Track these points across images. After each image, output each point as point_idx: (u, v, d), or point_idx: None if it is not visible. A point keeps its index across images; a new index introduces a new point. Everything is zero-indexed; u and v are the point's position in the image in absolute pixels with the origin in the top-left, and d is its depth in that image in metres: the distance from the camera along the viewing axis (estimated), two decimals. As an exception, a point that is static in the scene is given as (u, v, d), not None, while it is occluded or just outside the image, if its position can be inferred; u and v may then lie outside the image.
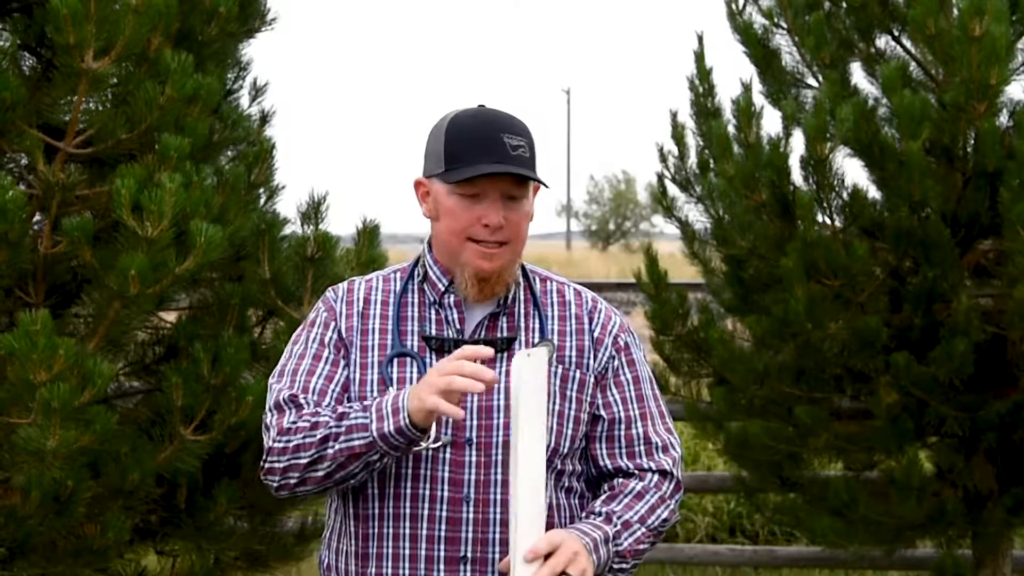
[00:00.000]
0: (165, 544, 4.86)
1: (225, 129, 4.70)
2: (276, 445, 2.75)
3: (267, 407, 2.82)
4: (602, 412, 2.87)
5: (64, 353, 3.69)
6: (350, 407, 2.72)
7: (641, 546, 2.80)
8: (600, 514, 2.80)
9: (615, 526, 2.78)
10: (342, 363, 2.83)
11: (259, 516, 4.70)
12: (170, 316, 4.84)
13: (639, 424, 2.88)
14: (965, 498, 5.70)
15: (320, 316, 2.88)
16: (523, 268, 2.90)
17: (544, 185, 2.82)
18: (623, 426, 2.87)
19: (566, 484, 2.84)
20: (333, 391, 2.80)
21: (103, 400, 3.97)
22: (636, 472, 2.87)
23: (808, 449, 5.88)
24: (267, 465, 2.78)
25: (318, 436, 2.70)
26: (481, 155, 2.74)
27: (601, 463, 2.88)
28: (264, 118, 5.07)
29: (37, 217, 4.28)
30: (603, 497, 2.85)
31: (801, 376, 5.70)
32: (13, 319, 4.06)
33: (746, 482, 6.36)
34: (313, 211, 4.73)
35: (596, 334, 2.88)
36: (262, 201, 4.84)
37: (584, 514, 2.83)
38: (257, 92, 5.10)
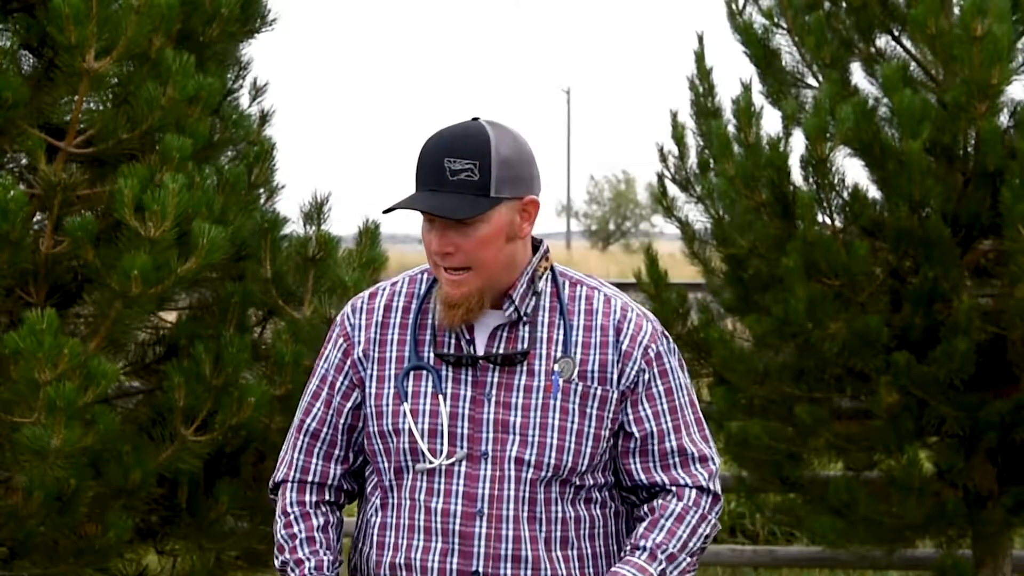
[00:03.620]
0: (166, 544, 4.86)
1: (225, 129, 4.70)
2: (276, 510, 2.90)
3: (289, 431, 2.94)
4: (634, 428, 2.78)
5: (69, 352, 3.70)
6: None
7: (686, 575, 2.77)
8: (644, 549, 2.74)
9: (660, 563, 2.72)
10: (355, 393, 2.83)
11: (260, 516, 4.68)
12: (170, 316, 4.84)
13: (672, 436, 2.79)
14: (965, 498, 5.71)
15: (338, 340, 2.86)
16: (553, 271, 2.82)
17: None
18: (656, 440, 2.79)
19: (585, 496, 2.78)
20: (337, 422, 2.85)
21: (104, 400, 3.98)
22: (673, 488, 2.79)
23: (808, 449, 5.88)
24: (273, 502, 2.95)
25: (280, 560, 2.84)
26: (420, 181, 2.69)
27: (636, 477, 2.80)
28: (264, 118, 5.06)
29: (38, 217, 4.28)
30: (644, 524, 2.77)
31: (801, 376, 5.70)
32: (14, 319, 4.06)
33: (746, 482, 6.36)
34: (315, 211, 4.73)
35: (624, 347, 2.77)
36: (262, 201, 4.84)
37: (628, 547, 2.76)
38: (257, 92, 5.09)
